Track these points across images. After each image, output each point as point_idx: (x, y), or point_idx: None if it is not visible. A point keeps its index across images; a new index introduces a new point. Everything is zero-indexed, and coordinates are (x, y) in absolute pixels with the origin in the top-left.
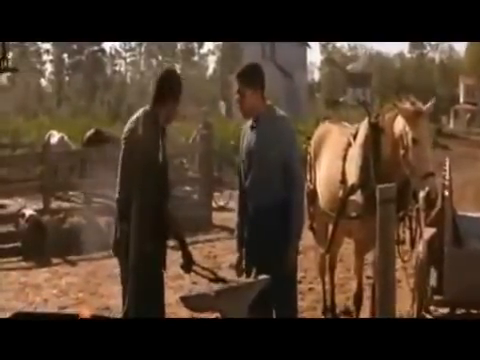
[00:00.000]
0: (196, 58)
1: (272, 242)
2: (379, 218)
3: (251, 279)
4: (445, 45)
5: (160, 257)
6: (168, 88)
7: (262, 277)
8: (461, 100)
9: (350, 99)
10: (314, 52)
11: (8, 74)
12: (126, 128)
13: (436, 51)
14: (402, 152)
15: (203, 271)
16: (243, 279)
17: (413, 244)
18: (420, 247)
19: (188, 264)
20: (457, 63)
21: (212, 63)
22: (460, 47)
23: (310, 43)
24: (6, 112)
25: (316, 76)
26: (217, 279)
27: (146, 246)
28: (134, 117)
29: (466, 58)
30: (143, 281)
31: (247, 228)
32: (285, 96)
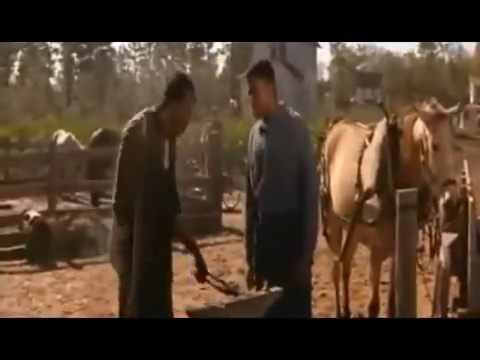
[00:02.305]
0: (205, 58)
1: (284, 252)
2: (399, 225)
3: (263, 291)
4: (455, 45)
5: (166, 267)
6: (180, 93)
7: (274, 289)
8: (471, 100)
9: (360, 99)
10: (324, 52)
11: (17, 73)
12: (126, 127)
13: (446, 51)
14: (422, 158)
15: (216, 282)
16: (255, 291)
17: (433, 252)
18: (442, 256)
19: (202, 274)
20: (467, 63)
21: (221, 62)
22: (470, 47)
23: (320, 43)
24: (15, 111)
25: (326, 76)
26: (229, 291)
27: (149, 255)
28: (136, 117)
29: (476, 58)
30: (148, 291)
31: (258, 237)
32: (295, 96)
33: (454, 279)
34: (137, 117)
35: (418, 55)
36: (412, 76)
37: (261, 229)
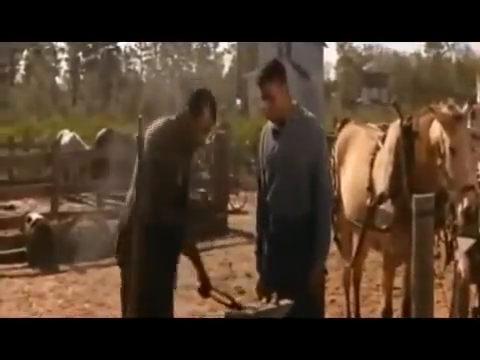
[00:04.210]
0: (212, 57)
1: (297, 260)
2: (415, 232)
3: (271, 305)
4: (461, 44)
5: (169, 277)
6: (200, 110)
7: (284, 302)
8: (478, 100)
9: (366, 99)
10: (330, 51)
11: (23, 72)
12: (149, 132)
13: (453, 51)
14: (438, 161)
15: (221, 296)
16: (263, 304)
17: (449, 259)
18: (460, 265)
19: (205, 288)
20: (473, 63)
21: (228, 62)
22: (477, 47)
23: (326, 42)
24: (20, 111)
25: (332, 76)
26: (234, 305)
27: (151, 263)
28: (158, 123)
29: None
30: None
31: (268, 244)
32: (302, 96)
33: (473, 287)
34: (159, 123)
35: (425, 55)
36: (419, 76)
37: (273, 236)
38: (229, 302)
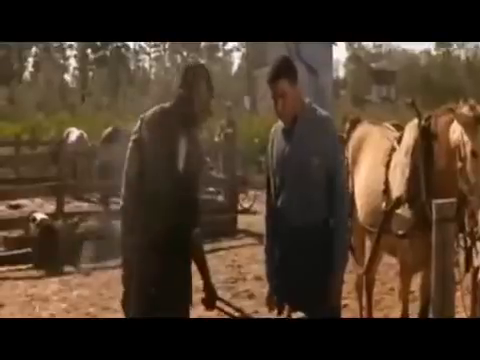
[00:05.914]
0: (221, 54)
1: (311, 270)
2: (435, 239)
3: (283, 317)
4: (471, 43)
5: (181, 287)
6: (194, 83)
7: (296, 315)
8: None
9: (376, 97)
10: (339, 49)
11: (31, 69)
12: (137, 124)
13: (462, 49)
14: (459, 164)
15: (228, 308)
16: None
17: (468, 266)
18: None
19: (211, 300)
20: None
21: (237, 59)
22: None
23: None
24: (28, 108)
25: (341, 73)
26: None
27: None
28: (148, 113)
29: None
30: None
31: (280, 254)
32: (311, 93)
33: None
34: (149, 113)
35: (434, 53)
36: (428, 74)
37: (284, 245)
38: (238, 315)
